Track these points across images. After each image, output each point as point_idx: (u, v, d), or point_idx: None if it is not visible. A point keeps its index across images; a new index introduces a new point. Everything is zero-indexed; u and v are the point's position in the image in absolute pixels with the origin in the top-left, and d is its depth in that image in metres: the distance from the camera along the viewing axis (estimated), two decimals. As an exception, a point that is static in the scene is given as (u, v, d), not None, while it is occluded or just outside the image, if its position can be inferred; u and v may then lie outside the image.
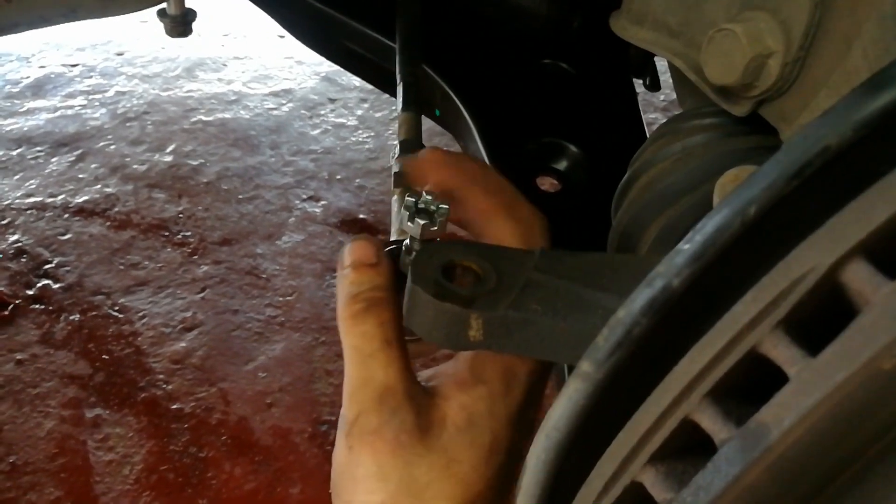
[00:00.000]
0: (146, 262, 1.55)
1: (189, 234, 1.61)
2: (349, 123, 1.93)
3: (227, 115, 1.90)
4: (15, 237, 1.57)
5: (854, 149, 0.26)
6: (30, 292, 1.48)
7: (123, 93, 1.94)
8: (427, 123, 0.71)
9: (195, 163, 1.76)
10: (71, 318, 1.44)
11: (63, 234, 1.58)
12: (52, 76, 1.97)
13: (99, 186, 1.69)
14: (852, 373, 0.22)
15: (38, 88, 1.94)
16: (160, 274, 1.53)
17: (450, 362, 0.47)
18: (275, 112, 1.93)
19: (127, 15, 0.92)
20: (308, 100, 1.98)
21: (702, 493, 0.25)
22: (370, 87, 1.10)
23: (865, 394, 0.23)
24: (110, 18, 0.92)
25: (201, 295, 1.50)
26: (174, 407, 1.33)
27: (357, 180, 1.76)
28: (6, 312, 1.44)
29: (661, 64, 0.78)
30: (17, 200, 1.65)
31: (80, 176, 1.71)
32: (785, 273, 0.25)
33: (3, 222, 1.60)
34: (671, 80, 0.69)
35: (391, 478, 0.42)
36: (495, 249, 0.43)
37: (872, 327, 0.22)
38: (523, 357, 0.45)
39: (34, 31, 0.90)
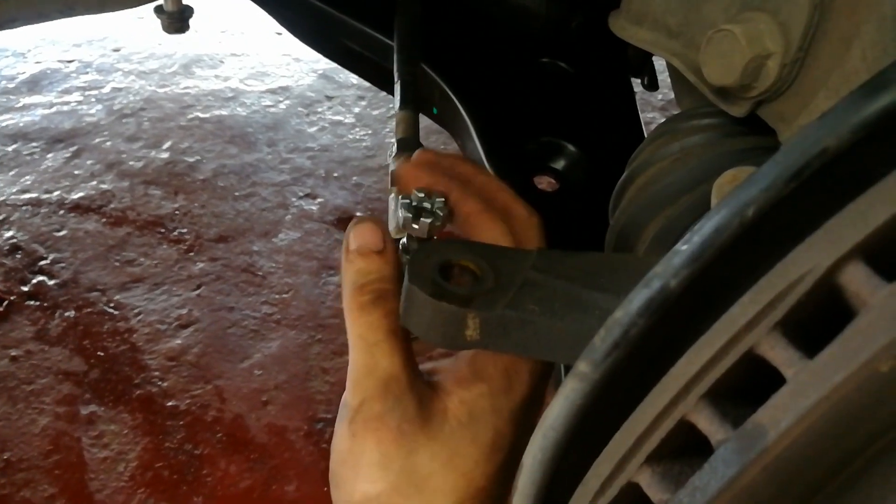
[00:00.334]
0: (142, 259, 1.54)
1: (185, 231, 1.60)
2: (346, 121, 1.92)
3: (223, 112, 1.90)
4: (10, 233, 1.57)
5: (852, 151, 0.26)
6: (25, 288, 1.47)
7: (120, 89, 1.93)
8: (424, 121, 0.71)
9: (191, 160, 1.76)
10: (66, 314, 1.44)
11: (58, 231, 1.58)
12: (49, 72, 1.97)
13: (95, 183, 1.69)
14: (849, 375, 0.22)
15: (34, 84, 1.93)
16: (156, 271, 1.52)
17: (450, 358, 0.48)
18: (272, 109, 1.93)
19: (124, 11, 0.92)
20: (305, 97, 1.98)
21: (698, 493, 0.25)
22: (368, 84, 1.10)
23: (862, 396, 0.23)
24: (107, 14, 0.92)
25: (197, 292, 1.50)
26: (169, 404, 1.33)
27: (354, 178, 1.76)
28: (1, 308, 1.44)
29: (660, 63, 0.78)
30: (13, 196, 1.64)
31: (76, 172, 1.71)
32: (783, 274, 0.25)
33: (-1, 218, 1.60)
34: (669, 80, 0.69)
35: (393, 466, 0.43)
36: (493, 249, 0.43)
37: (870, 329, 0.22)
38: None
39: (31, 26, 0.90)
